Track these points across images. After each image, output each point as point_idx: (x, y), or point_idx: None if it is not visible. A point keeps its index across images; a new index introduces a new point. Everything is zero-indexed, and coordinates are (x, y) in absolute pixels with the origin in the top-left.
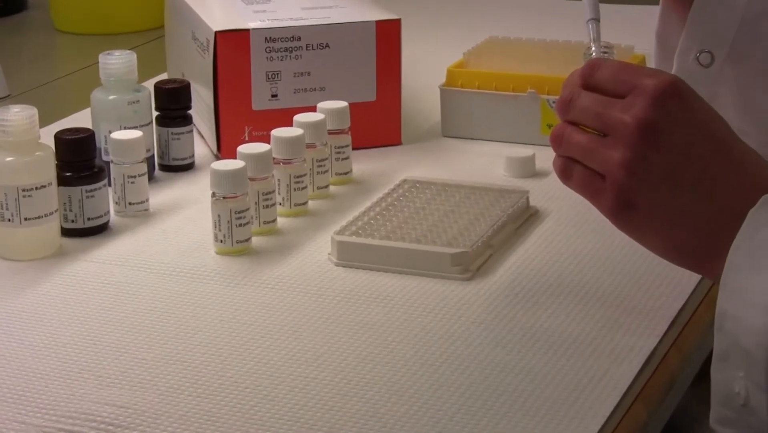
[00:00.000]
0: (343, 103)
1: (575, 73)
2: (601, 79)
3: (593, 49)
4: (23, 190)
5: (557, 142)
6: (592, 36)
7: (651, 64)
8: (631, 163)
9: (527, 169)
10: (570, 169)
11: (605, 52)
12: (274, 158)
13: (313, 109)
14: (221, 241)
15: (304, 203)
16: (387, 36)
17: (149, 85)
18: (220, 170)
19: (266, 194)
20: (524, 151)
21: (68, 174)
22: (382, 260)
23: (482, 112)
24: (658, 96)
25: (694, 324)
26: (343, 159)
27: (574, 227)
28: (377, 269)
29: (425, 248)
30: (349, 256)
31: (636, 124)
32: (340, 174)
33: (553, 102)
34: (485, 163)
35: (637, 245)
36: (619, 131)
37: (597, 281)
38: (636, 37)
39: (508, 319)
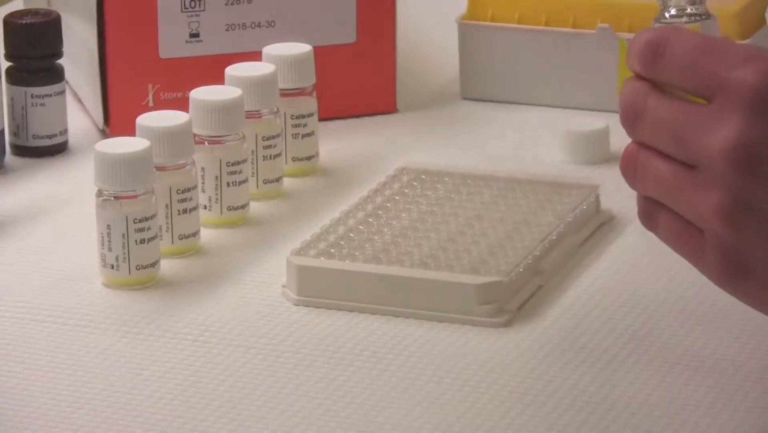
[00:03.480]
0: (305, 48)
1: (634, 48)
2: (670, 67)
3: (672, 3)
4: None
5: (630, 173)
6: None
7: None
8: (733, 212)
9: (597, 150)
10: (656, 213)
11: (695, 9)
12: (195, 135)
13: (258, 56)
14: (113, 266)
15: (244, 206)
16: None
17: None
18: (110, 155)
19: (184, 192)
20: (592, 122)
21: None
22: (366, 295)
23: (525, 60)
24: (758, 101)
25: None
26: (305, 136)
27: None
28: (359, 310)
29: (436, 276)
30: (315, 289)
31: (727, 155)
32: (301, 159)
33: None
34: (530, 142)
35: None
36: (707, 163)
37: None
38: None
39: (568, 386)
